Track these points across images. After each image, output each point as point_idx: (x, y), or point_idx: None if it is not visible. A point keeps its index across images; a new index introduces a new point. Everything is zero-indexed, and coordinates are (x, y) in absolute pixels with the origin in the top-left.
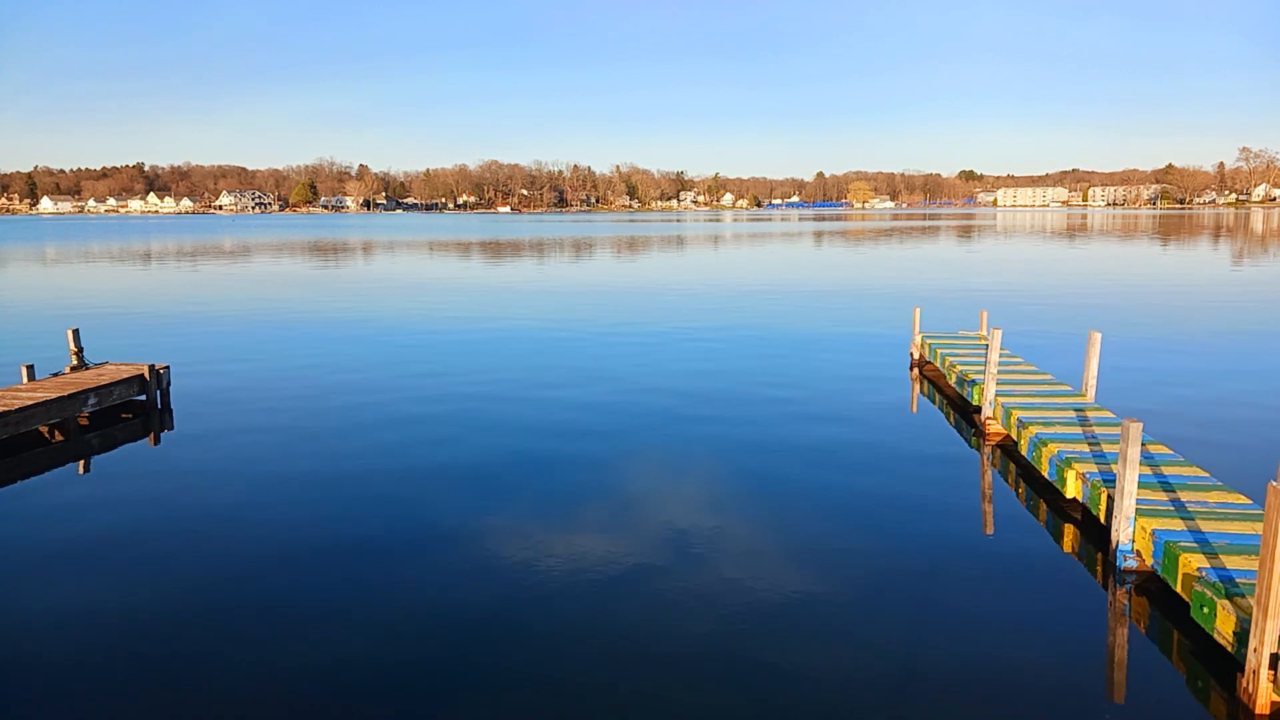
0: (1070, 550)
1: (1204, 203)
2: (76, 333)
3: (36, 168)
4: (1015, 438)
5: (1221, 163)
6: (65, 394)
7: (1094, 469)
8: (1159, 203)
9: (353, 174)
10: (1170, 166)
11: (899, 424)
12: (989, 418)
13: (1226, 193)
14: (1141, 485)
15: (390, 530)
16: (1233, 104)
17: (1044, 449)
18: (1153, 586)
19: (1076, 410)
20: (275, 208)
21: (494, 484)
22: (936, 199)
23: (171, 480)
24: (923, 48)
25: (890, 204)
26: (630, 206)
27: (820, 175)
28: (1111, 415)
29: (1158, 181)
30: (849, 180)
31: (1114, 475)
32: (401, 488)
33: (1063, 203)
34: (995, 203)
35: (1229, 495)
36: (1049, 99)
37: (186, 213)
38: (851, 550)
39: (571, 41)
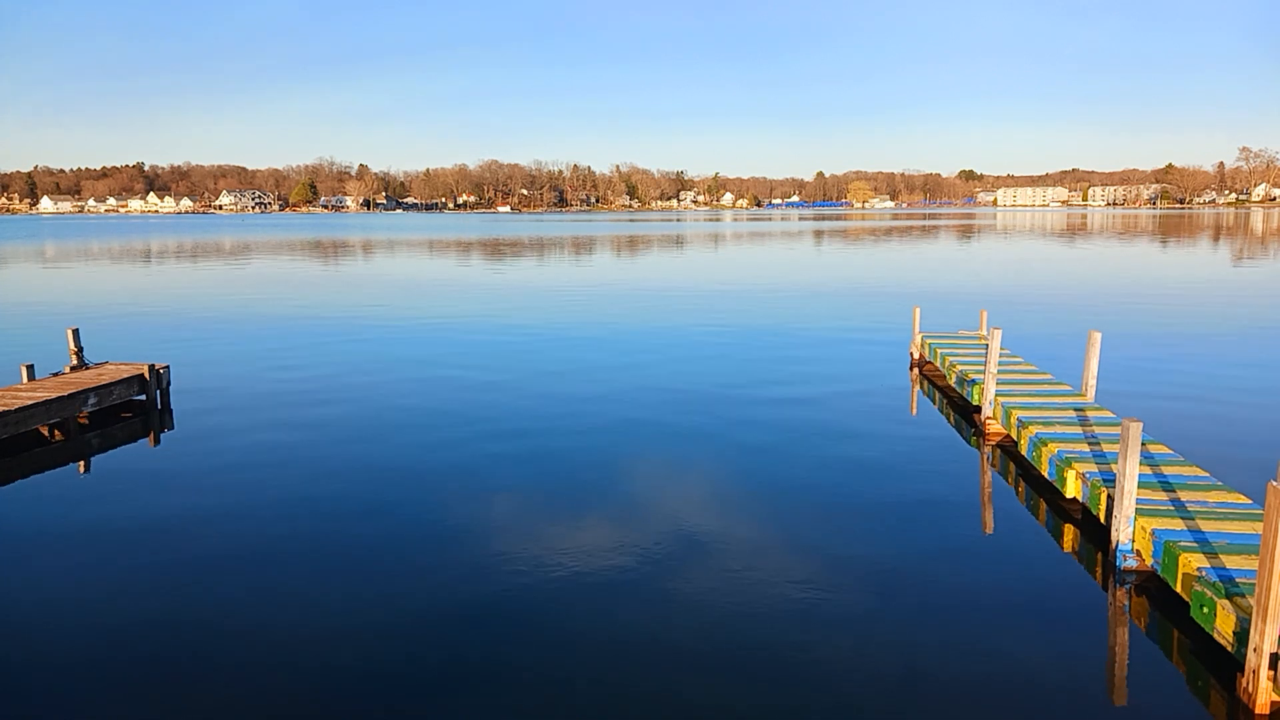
0: (1070, 550)
1: (1204, 203)
2: (76, 332)
3: (36, 167)
4: (1015, 438)
5: (1221, 163)
6: (65, 394)
7: (1094, 469)
8: (1159, 203)
9: (353, 174)
10: (1170, 166)
11: (899, 424)
12: (989, 418)
13: (1226, 193)
14: (1141, 485)
15: (393, 528)
16: (1233, 104)
17: (1044, 449)
18: (1153, 586)
19: (1076, 410)
20: (275, 208)
21: (498, 483)
22: (936, 199)
23: (171, 480)
24: (923, 48)
25: (890, 204)
26: (630, 206)
27: (820, 175)
28: (1111, 415)
29: (1158, 181)
30: (849, 180)
31: (1114, 475)
32: (404, 486)
33: (1062, 202)
34: (995, 202)
35: (1229, 495)
36: (1049, 99)
37: (186, 212)
38: (852, 550)
39: (571, 41)
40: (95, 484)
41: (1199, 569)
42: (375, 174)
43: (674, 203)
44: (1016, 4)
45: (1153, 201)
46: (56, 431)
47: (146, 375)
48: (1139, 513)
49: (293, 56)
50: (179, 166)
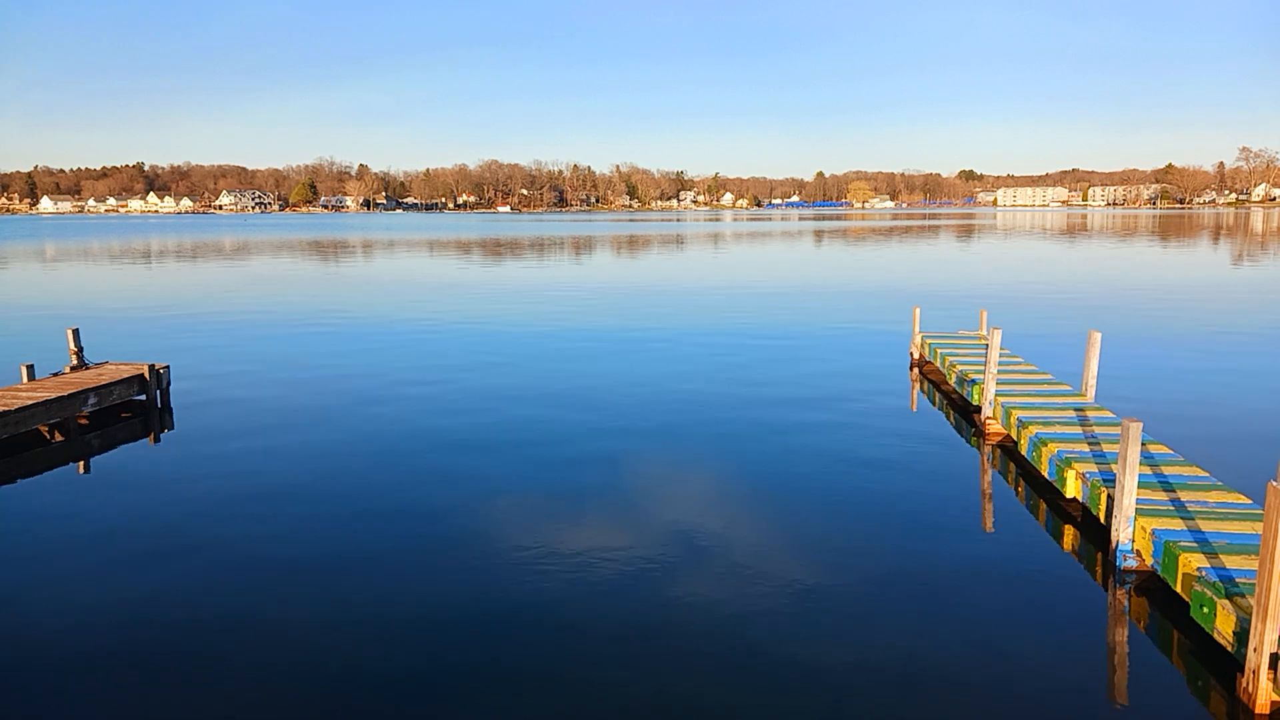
0: (1070, 550)
1: (1204, 202)
2: (76, 332)
3: (36, 168)
4: (1015, 438)
5: (1221, 162)
6: (65, 394)
7: (1094, 469)
8: (1159, 203)
9: (353, 174)
10: (1170, 166)
11: (899, 424)
12: (989, 418)
13: (1226, 193)
14: (1141, 485)
15: (394, 529)
16: (1233, 103)
17: (1044, 449)
18: (1153, 586)
19: (1076, 410)
20: (275, 208)
21: (501, 484)
22: (936, 199)
23: (171, 480)
24: (923, 48)
25: (890, 204)
26: (630, 206)
27: (820, 175)
28: (1111, 415)
29: (1158, 181)
30: (849, 180)
31: (1114, 475)
32: (405, 487)
33: (1062, 202)
34: (995, 202)
35: (1229, 495)
36: (1049, 99)
37: (186, 212)
38: (852, 550)
39: (571, 41)
40: (95, 484)
41: (1199, 569)
42: (375, 174)
43: (674, 203)
44: (1016, 5)
45: (1153, 201)
46: (56, 432)
47: (146, 375)
48: (1139, 513)
49: (293, 56)
50: (179, 166)
